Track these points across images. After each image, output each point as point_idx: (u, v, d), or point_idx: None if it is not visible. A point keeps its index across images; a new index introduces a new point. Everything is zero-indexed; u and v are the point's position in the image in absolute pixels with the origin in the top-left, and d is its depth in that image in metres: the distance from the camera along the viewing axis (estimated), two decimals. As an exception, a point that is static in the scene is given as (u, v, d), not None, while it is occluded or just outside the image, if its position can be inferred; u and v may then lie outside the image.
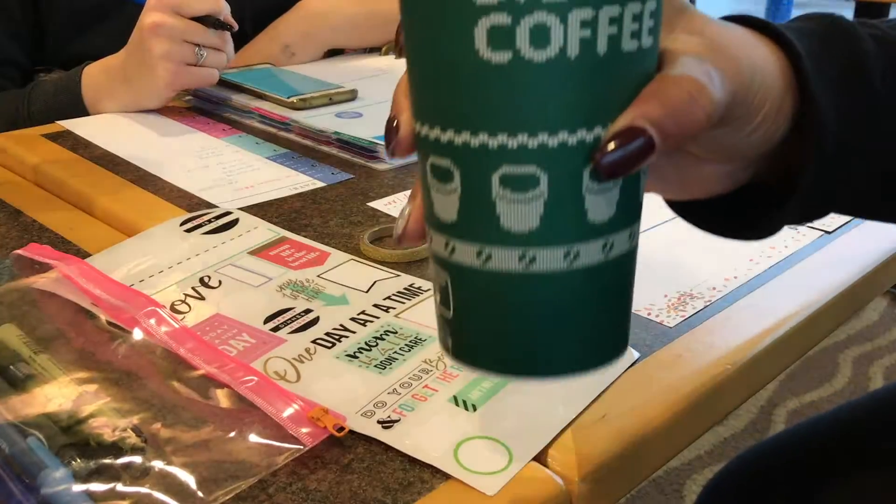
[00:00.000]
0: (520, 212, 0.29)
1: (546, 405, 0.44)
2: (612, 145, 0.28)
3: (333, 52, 1.13)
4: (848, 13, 2.32)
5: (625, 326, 0.33)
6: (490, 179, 0.29)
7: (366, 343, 0.50)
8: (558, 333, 0.31)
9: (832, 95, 0.34)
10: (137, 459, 0.40)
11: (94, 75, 0.92)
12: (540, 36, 0.27)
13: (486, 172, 0.29)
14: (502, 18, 0.27)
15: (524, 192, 0.29)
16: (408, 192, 0.71)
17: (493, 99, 0.28)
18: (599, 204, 0.30)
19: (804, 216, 0.38)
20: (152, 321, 0.50)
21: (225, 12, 0.88)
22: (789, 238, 0.64)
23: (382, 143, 0.78)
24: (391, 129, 0.33)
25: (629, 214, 0.31)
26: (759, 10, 4.28)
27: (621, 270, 0.32)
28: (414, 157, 0.33)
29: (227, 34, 0.90)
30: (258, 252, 0.61)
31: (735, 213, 0.39)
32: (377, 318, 0.52)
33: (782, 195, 0.37)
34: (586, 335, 0.31)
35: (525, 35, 0.27)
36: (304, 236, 0.63)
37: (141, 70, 0.89)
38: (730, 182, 0.38)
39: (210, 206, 0.69)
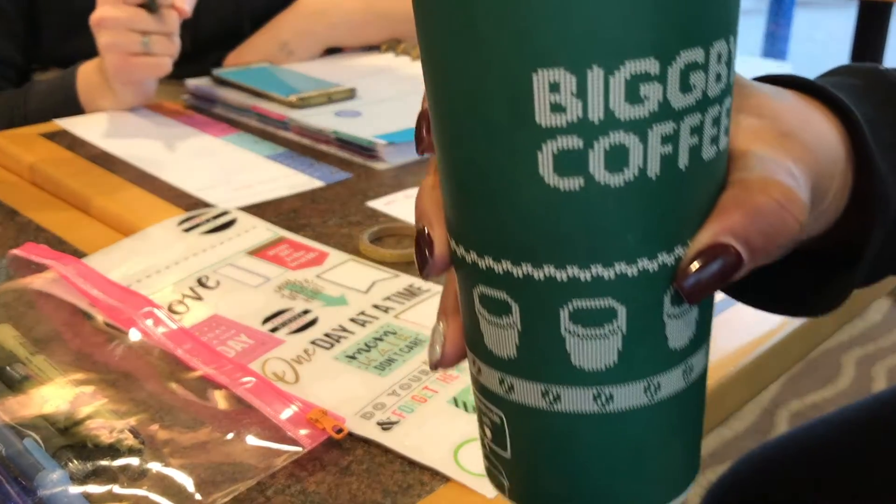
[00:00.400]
0: (594, 349, 0.26)
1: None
2: (694, 266, 0.25)
3: (332, 51, 1.12)
4: (851, 13, 2.31)
5: (700, 444, 0.30)
6: (558, 315, 0.25)
7: (365, 344, 0.49)
8: (641, 470, 0.28)
9: (890, 162, 0.32)
10: (135, 461, 0.40)
11: (88, 74, 0.92)
12: (617, 158, 0.23)
13: (553, 308, 0.25)
14: (572, 141, 0.23)
15: (599, 328, 0.25)
16: (408, 192, 0.71)
17: (562, 229, 0.24)
18: (679, 328, 0.26)
19: (861, 283, 0.36)
20: (149, 322, 0.50)
21: None
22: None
23: (382, 141, 0.78)
24: (423, 244, 0.28)
25: (705, 330, 0.28)
26: (760, 7, 4.28)
27: (700, 391, 0.29)
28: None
29: (174, 17, 0.86)
30: (256, 252, 0.60)
31: (784, 284, 0.37)
32: (376, 318, 0.52)
33: (835, 262, 0.35)
34: (670, 464, 0.29)
35: (599, 158, 0.23)
36: (303, 236, 0.63)
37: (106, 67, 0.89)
38: (779, 253, 0.37)
39: (208, 205, 0.68)
